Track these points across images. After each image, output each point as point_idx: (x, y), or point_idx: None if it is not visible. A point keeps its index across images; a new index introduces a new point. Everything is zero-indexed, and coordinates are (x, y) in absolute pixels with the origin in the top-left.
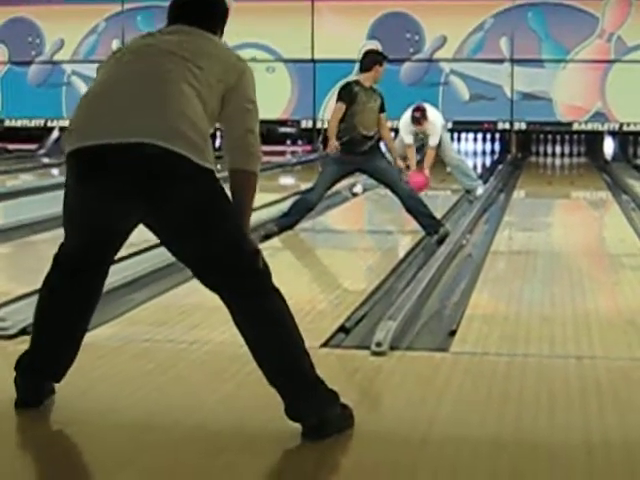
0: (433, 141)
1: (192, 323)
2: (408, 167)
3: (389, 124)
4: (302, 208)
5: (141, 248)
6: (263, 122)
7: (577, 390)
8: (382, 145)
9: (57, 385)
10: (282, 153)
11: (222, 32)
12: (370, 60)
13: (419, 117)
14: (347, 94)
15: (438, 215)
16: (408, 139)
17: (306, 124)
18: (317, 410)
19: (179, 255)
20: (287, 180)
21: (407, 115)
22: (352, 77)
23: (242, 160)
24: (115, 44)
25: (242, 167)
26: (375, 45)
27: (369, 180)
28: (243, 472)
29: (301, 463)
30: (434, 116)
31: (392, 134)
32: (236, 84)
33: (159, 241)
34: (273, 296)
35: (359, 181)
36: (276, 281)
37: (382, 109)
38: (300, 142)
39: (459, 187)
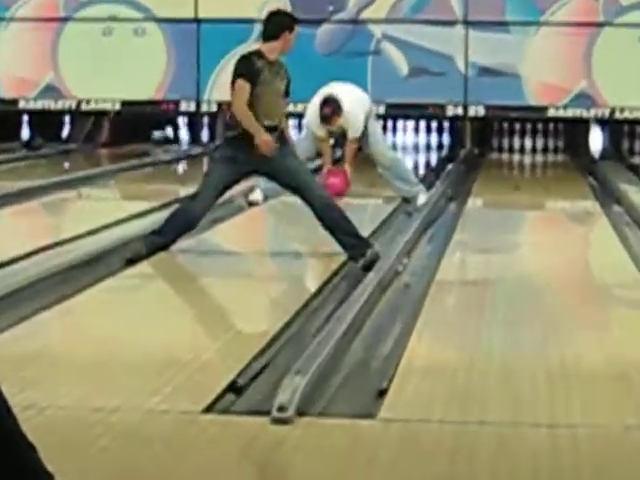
0: (353, 133)
1: (27, 380)
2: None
3: (299, 107)
4: (181, 223)
5: None
6: (127, 104)
7: (548, 470)
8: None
9: None
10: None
11: None
12: (277, 25)
13: (329, 114)
14: (249, 70)
15: (365, 232)
16: (320, 132)
17: (187, 106)
18: None
19: None
20: (158, 185)
21: (317, 101)
22: (251, 47)
23: None
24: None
25: None
26: (282, 3)
27: (271, 184)
28: None
29: None
30: (352, 102)
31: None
32: None
33: None
34: None
35: (258, 186)
36: (144, 321)
37: (287, 92)
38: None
39: (394, 194)
